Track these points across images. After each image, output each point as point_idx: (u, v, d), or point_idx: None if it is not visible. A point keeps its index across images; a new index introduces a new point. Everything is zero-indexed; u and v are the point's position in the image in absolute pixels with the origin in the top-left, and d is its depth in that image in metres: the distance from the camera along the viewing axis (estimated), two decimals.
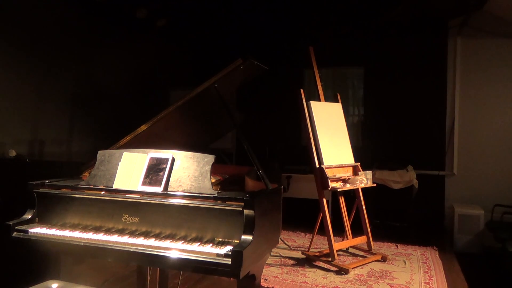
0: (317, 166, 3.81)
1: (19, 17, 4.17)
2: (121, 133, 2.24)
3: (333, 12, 5.51)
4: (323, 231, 3.84)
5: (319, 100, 4.16)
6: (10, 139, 4.08)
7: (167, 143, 2.23)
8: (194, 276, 3.40)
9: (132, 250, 1.72)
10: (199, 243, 1.69)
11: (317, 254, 3.96)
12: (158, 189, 1.84)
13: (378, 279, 3.47)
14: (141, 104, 5.87)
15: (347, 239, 4.00)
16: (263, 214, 1.77)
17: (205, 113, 2.50)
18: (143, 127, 2.19)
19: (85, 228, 1.90)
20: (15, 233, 1.91)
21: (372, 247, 4.08)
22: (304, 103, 3.92)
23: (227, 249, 1.61)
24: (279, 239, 3.00)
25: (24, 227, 1.92)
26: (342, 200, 4.03)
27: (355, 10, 5.44)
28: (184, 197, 1.80)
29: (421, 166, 5.37)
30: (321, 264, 3.81)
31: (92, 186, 1.98)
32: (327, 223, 3.75)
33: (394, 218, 5.39)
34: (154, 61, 6.17)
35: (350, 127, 4.83)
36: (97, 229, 1.88)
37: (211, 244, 1.68)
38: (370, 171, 4.09)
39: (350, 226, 4.04)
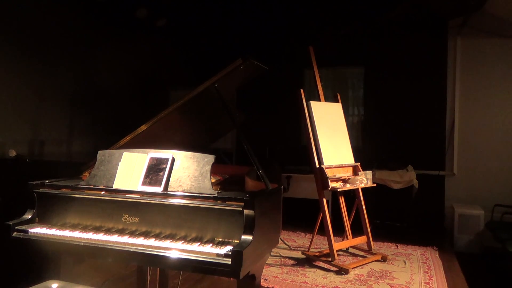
0: (317, 166, 3.81)
1: (19, 17, 4.16)
2: (121, 133, 2.24)
3: (333, 12, 5.51)
4: (323, 231, 3.84)
5: (319, 100, 4.16)
6: (10, 139, 4.08)
7: (167, 143, 2.23)
8: (194, 276, 3.40)
9: (132, 250, 1.71)
10: (199, 243, 1.69)
11: (317, 254, 3.96)
12: (158, 189, 1.84)
13: (378, 279, 3.47)
14: (141, 104, 5.88)
15: (347, 239, 4.00)
16: (263, 214, 1.77)
17: (205, 113, 2.50)
18: (143, 127, 2.18)
19: (85, 228, 1.90)
20: (15, 233, 1.91)
21: (372, 247, 4.08)
22: (304, 103, 3.92)
23: (227, 249, 1.61)
24: (279, 239, 3.00)
25: (24, 227, 1.92)
26: (342, 200, 4.03)
27: (355, 10, 5.44)
28: (184, 197, 1.80)
29: (421, 166, 5.37)
30: (321, 264, 3.81)
31: (92, 186, 1.97)
32: (327, 223, 3.75)
33: (394, 218, 5.39)
34: (154, 61, 6.17)
35: (350, 127, 4.83)
36: (97, 229, 1.88)
37: (211, 244, 1.67)
38: (370, 171, 4.09)
39: (350, 226, 4.04)
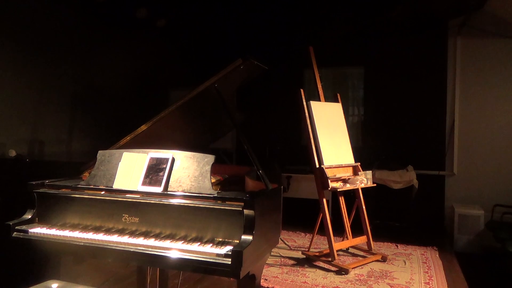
0: (317, 166, 3.80)
1: (19, 17, 4.17)
2: (121, 133, 2.24)
3: (333, 11, 5.51)
4: (323, 231, 3.84)
5: (319, 100, 4.16)
6: (10, 139, 4.08)
7: (167, 143, 2.23)
8: (194, 276, 3.40)
9: (132, 250, 1.71)
10: (199, 243, 1.69)
11: (317, 254, 3.96)
12: (158, 189, 1.84)
13: (378, 279, 3.47)
14: (141, 104, 5.88)
15: (347, 239, 3.99)
16: (263, 214, 1.77)
17: (205, 113, 2.50)
18: (143, 127, 2.18)
19: (85, 228, 1.90)
20: (15, 233, 1.91)
21: (372, 247, 4.08)
22: (304, 103, 3.92)
23: (227, 249, 1.61)
24: (279, 239, 3.00)
25: (24, 227, 1.92)
26: (342, 200, 4.03)
27: (355, 10, 5.44)
28: (184, 197, 1.80)
29: (421, 166, 5.37)
30: (321, 264, 3.81)
31: (92, 186, 1.97)
32: (327, 223, 3.75)
33: (394, 218, 5.39)
34: (154, 61, 6.17)
35: (350, 127, 4.83)
36: (97, 229, 1.88)
37: (211, 244, 1.67)
38: (370, 171, 4.09)
39: (350, 226, 4.04)
